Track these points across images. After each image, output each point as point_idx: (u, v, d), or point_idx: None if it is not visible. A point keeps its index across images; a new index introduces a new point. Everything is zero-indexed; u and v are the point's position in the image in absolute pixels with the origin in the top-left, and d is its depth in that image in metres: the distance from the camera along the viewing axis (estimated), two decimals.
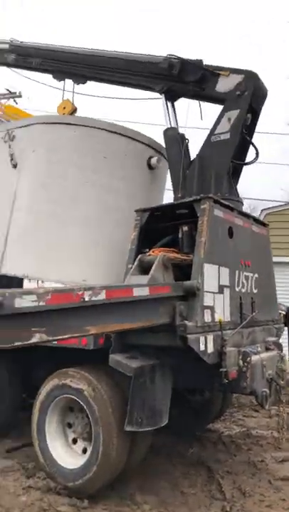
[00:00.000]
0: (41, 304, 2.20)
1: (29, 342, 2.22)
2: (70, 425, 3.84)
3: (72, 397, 3.60)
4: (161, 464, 4.28)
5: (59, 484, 3.48)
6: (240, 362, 3.68)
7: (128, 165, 5.12)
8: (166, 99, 5.35)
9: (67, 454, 3.68)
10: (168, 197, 5.75)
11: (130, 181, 5.12)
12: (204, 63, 5.09)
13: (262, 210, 10.56)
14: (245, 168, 5.23)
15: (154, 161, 5.28)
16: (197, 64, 5.06)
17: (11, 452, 4.34)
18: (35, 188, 4.93)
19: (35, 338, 2.24)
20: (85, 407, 3.49)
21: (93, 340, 3.59)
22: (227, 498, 3.61)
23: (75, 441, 3.79)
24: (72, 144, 4.94)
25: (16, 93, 8.13)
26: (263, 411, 6.16)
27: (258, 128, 5.22)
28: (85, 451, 3.64)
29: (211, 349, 3.52)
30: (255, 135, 5.19)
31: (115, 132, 5.03)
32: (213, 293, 3.78)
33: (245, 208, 5.03)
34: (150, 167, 5.32)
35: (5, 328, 2.10)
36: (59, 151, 4.92)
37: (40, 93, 9.00)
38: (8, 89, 8.18)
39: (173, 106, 5.41)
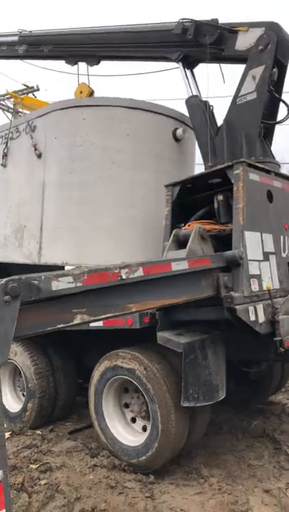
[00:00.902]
0: (78, 284, 2.19)
1: (72, 323, 2.23)
2: (126, 405, 3.89)
3: (126, 377, 3.63)
4: (224, 438, 4.23)
5: (123, 461, 3.55)
6: None
7: (152, 139, 4.99)
8: (184, 66, 5.15)
9: (127, 433, 3.74)
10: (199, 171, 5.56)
11: (156, 156, 5.01)
12: (220, 22, 4.81)
13: None
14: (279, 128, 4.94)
15: (179, 132, 5.10)
16: (212, 24, 4.80)
17: (74, 434, 4.48)
18: (62, 175, 4.97)
19: (77, 320, 2.25)
20: (139, 386, 3.51)
21: (139, 319, 3.57)
22: None
23: (134, 420, 3.83)
24: (92, 125, 4.91)
25: (33, 87, 8.24)
26: None
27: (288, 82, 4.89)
28: (144, 428, 3.67)
29: (262, 318, 3.39)
30: (285, 90, 4.87)
31: (135, 108, 4.93)
32: (258, 261, 3.63)
33: (283, 171, 4.73)
34: (176, 139, 5.16)
35: (46, 311, 2.12)
36: (81, 135, 4.91)
37: (56, 84, 9.05)
38: (25, 85, 8.30)
39: (192, 73, 5.20)
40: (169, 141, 5.14)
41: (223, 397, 3.47)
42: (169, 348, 3.41)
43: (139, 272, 2.58)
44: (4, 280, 1.89)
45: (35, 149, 5.24)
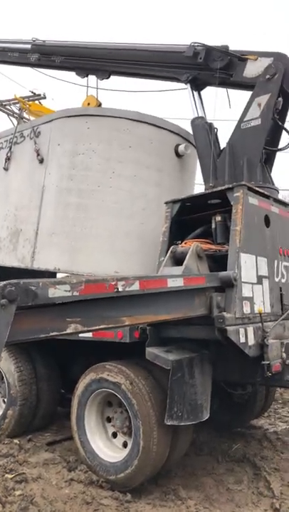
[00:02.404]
0: (75, 293, 2.19)
1: (65, 332, 2.22)
2: (109, 419, 3.84)
3: (110, 391, 3.59)
4: (204, 460, 4.18)
5: (101, 477, 3.48)
6: (284, 354, 3.55)
7: (154, 153, 5.05)
8: (192, 88, 5.27)
9: (107, 448, 3.68)
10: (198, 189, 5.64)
11: (157, 169, 5.06)
12: (230, 49, 4.96)
13: None
14: (282, 155, 5.05)
15: (181, 148, 5.17)
16: (223, 50, 4.94)
17: (52, 445, 4.39)
18: (62, 181, 5.00)
19: (71, 329, 2.24)
20: (123, 401, 3.47)
21: (129, 333, 3.56)
22: (276, 495, 3.46)
23: (114, 435, 3.78)
24: (95, 135, 4.97)
25: (40, 95, 8.33)
26: None
27: None
28: (125, 445, 3.62)
29: (252, 341, 3.40)
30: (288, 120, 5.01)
31: (140, 121, 5.00)
32: (252, 284, 3.66)
33: (281, 197, 4.83)
34: (178, 155, 5.22)
35: (41, 317, 2.11)
36: (83, 143, 4.96)
37: (64, 93, 9.16)
38: (32, 92, 8.38)
39: (199, 95, 5.32)
40: (170, 156, 5.21)
41: (207, 418, 3.44)
42: (156, 365, 3.39)
43: (136, 286, 2.59)
44: (2, 283, 1.88)
45: (38, 154, 5.28)
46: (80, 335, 3.68)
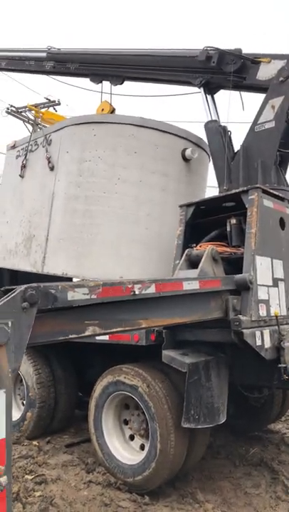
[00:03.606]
0: (93, 297, 2.23)
1: (83, 335, 2.26)
2: (126, 422, 3.87)
3: (127, 393, 3.62)
4: (221, 464, 4.16)
5: (119, 479, 3.51)
6: None
7: (160, 158, 5.06)
8: (206, 92, 5.30)
9: (125, 450, 3.70)
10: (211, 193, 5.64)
11: (163, 174, 5.07)
12: (243, 52, 4.98)
13: None
14: None
15: (188, 152, 5.13)
16: (236, 53, 4.96)
17: (70, 447, 4.44)
18: (70, 188, 5.09)
19: (89, 331, 2.28)
20: (140, 403, 3.50)
21: (145, 336, 3.59)
22: None
23: (132, 437, 3.80)
24: (101, 142, 5.03)
25: (54, 101, 8.47)
26: None
27: None
28: (142, 447, 3.64)
29: (268, 344, 3.39)
30: None
31: (144, 126, 5.01)
32: (268, 286, 3.65)
33: None
34: (185, 159, 5.19)
35: (60, 320, 2.16)
36: (90, 150, 5.04)
37: (79, 99, 9.29)
38: (47, 98, 8.54)
39: (213, 99, 5.34)
40: (177, 160, 5.19)
41: (223, 421, 3.44)
42: (172, 367, 3.41)
43: (152, 289, 2.62)
44: (23, 287, 1.94)
45: (49, 162, 5.39)
46: (97, 338, 3.72)
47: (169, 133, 5.13)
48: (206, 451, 3.85)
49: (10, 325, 1.83)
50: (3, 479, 1.69)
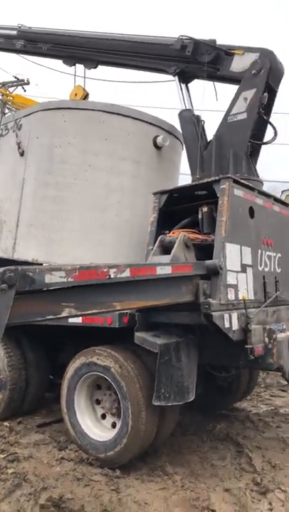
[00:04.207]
0: (69, 280, 2.30)
1: (60, 316, 2.33)
2: (98, 402, 4.00)
3: (100, 374, 3.74)
4: (189, 439, 4.39)
5: (91, 456, 3.65)
6: (266, 339, 3.72)
7: (131, 145, 5.08)
8: (180, 81, 5.37)
9: (97, 428, 3.84)
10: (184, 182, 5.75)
11: (134, 161, 5.10)
12: (218, 43, 5.06)
13: (282, 192, 10.40)
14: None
15: (160, 139, 5.16)
16: (210, 44, 5.04)
17: (42, 427, 4.52)
18: (40, 174, 5.07)
19: (65, 313, 2.35)
20: (112, 383, 3.63)
21: (118, 318, 3.69)
22: (257, 471, 3.68)
23: (104, 416, 3.94)
24: (72, 128, 5.01)
25: (23, 80, 8.23)
26: None
27: (281, 108, 5.18)
28: (114, 425, 3.79)
29: (235, 326, 3.56)
30: (278, 115, 5.16)
31: (116, 113, 5.02)
32: (236, 272, 3.82)
33: (265, 189, 4.98)
34: (157, 146, 5.22)
35: (38, 302, 2.22)
36: (60, 136, 5.01)
37: (49, 79, 9.05)
38: (16, 77, 8.29)
39: (187, 88, 5.42)
40: (149, 147, 5.21)
41: (192, 399, 3.63)
42: (144, 349, 3.54)
43: (127, 273, 2.71)
44: (2, 269, 1.98)
45: (19, 147, 5.31)
46: (70, 321, 3.79)
47: (140, 120, 5.15)
48: (175, 428, 4.05)
49: None
50: None
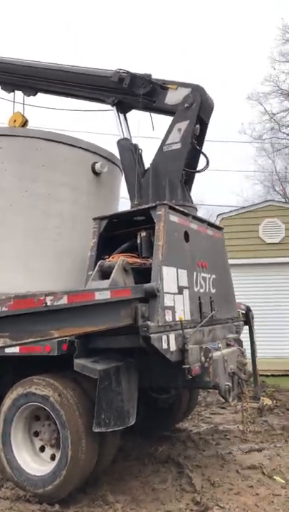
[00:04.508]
0: (3, 309, 2.27)
1: None
2: (36, 434, 3.85)
3: (38, 404, 3.62)
4: (131, 464, 4.36)
5: (28, 492, 3.49)
6: (202, 358, 3.85)
7: (69, 172, 5.16)
8: (118, 110, 5.56)
9: (35, 462, 3.69)
10: (125, 205, 5.90)
11: (72, 188, 5.17)
12: (153, 77, 5.37)
13: (218, 215, 11.01)
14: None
15: (98, 166, 5.29)
16: (146, 78, 5.32)
17: None
18: None
19: (0, 343, 2.30)
20: (51, 413, 3.53)
21: (57, 346, 3.63)
22: (197, 490, 3.75)
23: (42, 449, 3.80)
24: (7, 154, 5.01)
25: None
26: (230, 407, 6.42)
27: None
28: (53, 457, 3.66)
29: (173, 347, 3.66)
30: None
31: (53, 140, 5.10)
32: (173, 294, 3.95)
33: (204, 214, 5.28)
34: (95, 172, 5.34)
35: None
36: None
37: None
38: None
39: (125, 117, 5.63)
40: (87, 174, 5.30)
41: (133, 423, 3.63)
42: (84, 375, 3.50)
43: (64, 300, 2.73)
44: None
45: None
46: (7, 350, 3.66)
47: (78, 147, 5.25)
48: (116, 453, 4.01)
49: None
50: None
